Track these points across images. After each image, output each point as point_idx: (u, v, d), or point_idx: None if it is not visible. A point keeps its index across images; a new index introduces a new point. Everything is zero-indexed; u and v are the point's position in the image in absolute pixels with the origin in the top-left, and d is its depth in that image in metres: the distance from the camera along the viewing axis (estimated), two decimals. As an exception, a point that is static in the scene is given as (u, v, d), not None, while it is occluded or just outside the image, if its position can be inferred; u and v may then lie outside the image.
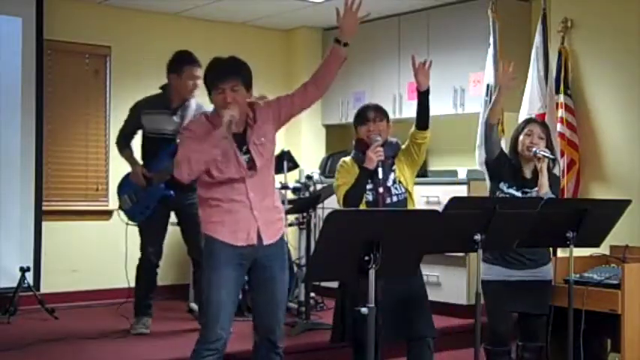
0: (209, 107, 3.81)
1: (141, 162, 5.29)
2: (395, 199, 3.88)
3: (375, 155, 3.82)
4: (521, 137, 4.17)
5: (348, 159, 4.03)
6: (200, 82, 5.08)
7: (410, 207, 3.94)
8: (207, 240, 3.58)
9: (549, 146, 4.22)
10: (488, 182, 4.45)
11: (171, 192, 5.11)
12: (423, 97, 3.99)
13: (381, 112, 4.00)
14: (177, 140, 4.98)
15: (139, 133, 5.33)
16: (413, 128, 4.02)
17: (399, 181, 3.92)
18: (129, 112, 5.34)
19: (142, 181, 5.18)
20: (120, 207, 5.38)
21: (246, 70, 3.58)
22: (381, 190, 3.83)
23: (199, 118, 3.70)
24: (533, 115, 5.65)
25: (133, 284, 5.40)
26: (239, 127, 3.55)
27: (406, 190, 3.94)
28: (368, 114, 3.97)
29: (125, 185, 5.37)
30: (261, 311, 3.63)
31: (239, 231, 3.52)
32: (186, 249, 5.37)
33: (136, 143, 5.40)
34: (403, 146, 4.05)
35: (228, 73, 3.51)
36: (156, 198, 5.18)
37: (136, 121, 5.27)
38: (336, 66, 3.60)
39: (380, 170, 3.84)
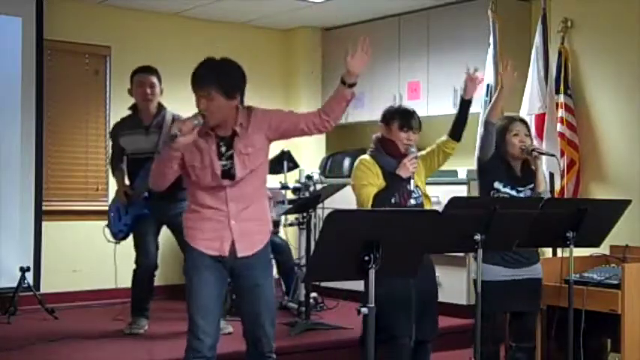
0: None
1: (127, 182, 5.40)
2: (414, 202, 3.93)
3: (411, 166, 3.89)
4: (509, 137, 4.16)
5: (367, 157, 3.99)
6: (155, 90, 5.20)
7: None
8: (188, 247, 3.54)
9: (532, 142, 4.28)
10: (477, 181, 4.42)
11: (145, 210, 5.25)
12: (466, 106, 4.06)
13: (420, 124, 4.03)
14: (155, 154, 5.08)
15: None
16: (445, 137, 4.09)
17: (417, 185, 3.97)
18: (110, 137, 5.51)
19: (124, 199, 5.31)
20: (107, 225, 5.46)
21: (226, 75, 3.40)
22: (404, 193, 3.89)
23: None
24: (533, 116, 5.66)
25: (120, 285, 5.56)
26: (226, 132, 3.45)
27: (423, 193, 4.01)
28: (413, 122, 3.97)
29: (113, 204, 5.48)
30: (246, 320, 3.57)
31: (213, 240, 3.46)
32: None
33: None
34: (424, 152, 4.11)
35: (202, 80, 3.38)
36: (132, 215, 5.30)
37: (116, 145, 5.40)
38: (343, 106, 3.50)
39: (412, 182, 3.92)
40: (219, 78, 3.36)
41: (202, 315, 3.44)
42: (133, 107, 5.32)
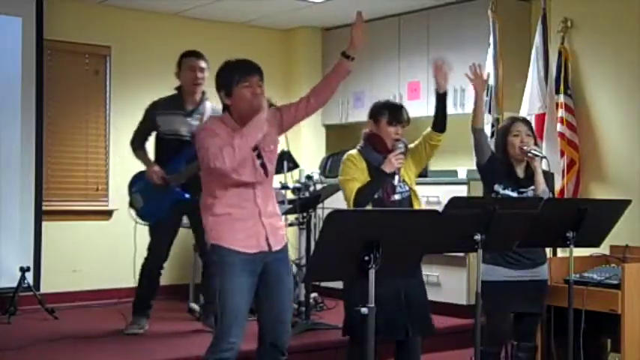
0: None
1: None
2: (398, 197, 3.92)
3: (396, 162, 3.88)
4: (510, 138, 4.15)
5: (354, 152, 4.01)
6: (204, 75, 5.14)
7: (415, 204, 3.99)
8: (218, 249, 3.50)
9: (536, 143, 4.25)
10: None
11: (187, 195, 5.07)
12: (442, 100, 4.04)
13: (409, 118, 4.04)
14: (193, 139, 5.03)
15: (153, 135, 5.32)
16: (429, 129, 4.07)
17: (403, 180, 3.96)
18: (144, 113, 5.30)
19: (160, 181, 5.11)
20: (130, 205, 5.31)
21: None
22: (387, 187, 3.89)
23: (214, 121, 3.60)
24: (533, 116, 5.66)
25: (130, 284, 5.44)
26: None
27: (410, 188, 3.99)
28: (402, 116, 3.99)
29: (137, 183, 5.30)
30: (269, 317, 3.58)
31: (250, 238, 3.49)
32: (199, 252, 5.39)
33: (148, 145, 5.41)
34: (412, 145, 4.09)
35: (255, 68, 3.53)
36: (170, 201, 5.13)
37: (151, 122, 5.25)
38: (340, 79, 3.64)
39: (396, 177, 3.91)
40: (261, 70, 3.55)
41: (236, 320, 3.46)
42: (179, 88, 5.24)
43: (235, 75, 3.48)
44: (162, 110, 5.20)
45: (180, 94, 5.23)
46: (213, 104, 5.11)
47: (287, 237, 3.75)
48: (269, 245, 3.52)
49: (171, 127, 5.15)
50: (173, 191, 5.11)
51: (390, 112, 4.00)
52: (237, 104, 3.49)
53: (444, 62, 4.04)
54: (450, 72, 4.06)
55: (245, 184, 3.48)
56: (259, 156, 3.52)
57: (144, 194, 5.24)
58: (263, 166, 3.53)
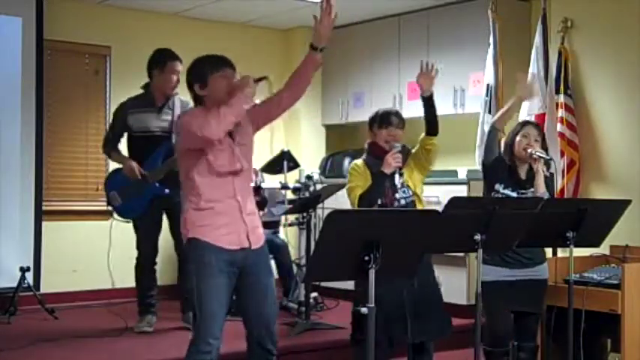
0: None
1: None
2: (403, 202, 3.97)
3: (394, 161, 3.94)
4: (517, 138, 4.17)
5: (359, 162, 4.10)
6: (182, 78, 5.15)
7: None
8: (197, 244, 3.47)
9: (544, 148, 4.25)
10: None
11: (167, 190, 5.10)
12: (427, 103, 4.04)
13: (402, 120, 4.12)
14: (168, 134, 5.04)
15: (125, 135, 5.34)
16: (422, 134, 4.11)
17: (407, 185, 3.98)
18: (114, 116, 5.36)
19: (137, 176, 5.11)
20: (108, 203, 5.33)
21: None
22: (390, 193, 3.94)
23: (194, 112, 3.57)
24: (533, 116, 5.66)
25: (118, 285, 5.61)
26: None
27: (413, 193, 4.01)
28: (391, 118, 4.08)
29: (113, 181, 5.33)
30: (252, 320, 3.58)
31: (231, 234, 3.48)
32: (174, 245, 5.38)
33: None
34: (413, 150, 4.14)
35: (228, 61, 3.58)
36: (149, 196, 5.17)
37: (122, 123, 5.28)
38: (311, 72, 3.62)
39: (397, 177, 3.95)
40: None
41: (213, 321, 3.44)
42: (146, 86, 5.26)
43: (209, 67, 3.53)
44: (132, 110, 5.23)
45: (149, 92, 5.23)
46: (181, 97, 5.15)
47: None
48: (249, 242, 3.50)
49: (143, 124, 5.17)
50: (152, 187, 5.14)
51: (380, 117, 4.11)
52: (213, 93, 3.49)
53: (434, 67, 4.04)
54: (437, 77, 4.06)
55: (223, 173, 3.47)
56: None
57: (121, 191, 5.25)
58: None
